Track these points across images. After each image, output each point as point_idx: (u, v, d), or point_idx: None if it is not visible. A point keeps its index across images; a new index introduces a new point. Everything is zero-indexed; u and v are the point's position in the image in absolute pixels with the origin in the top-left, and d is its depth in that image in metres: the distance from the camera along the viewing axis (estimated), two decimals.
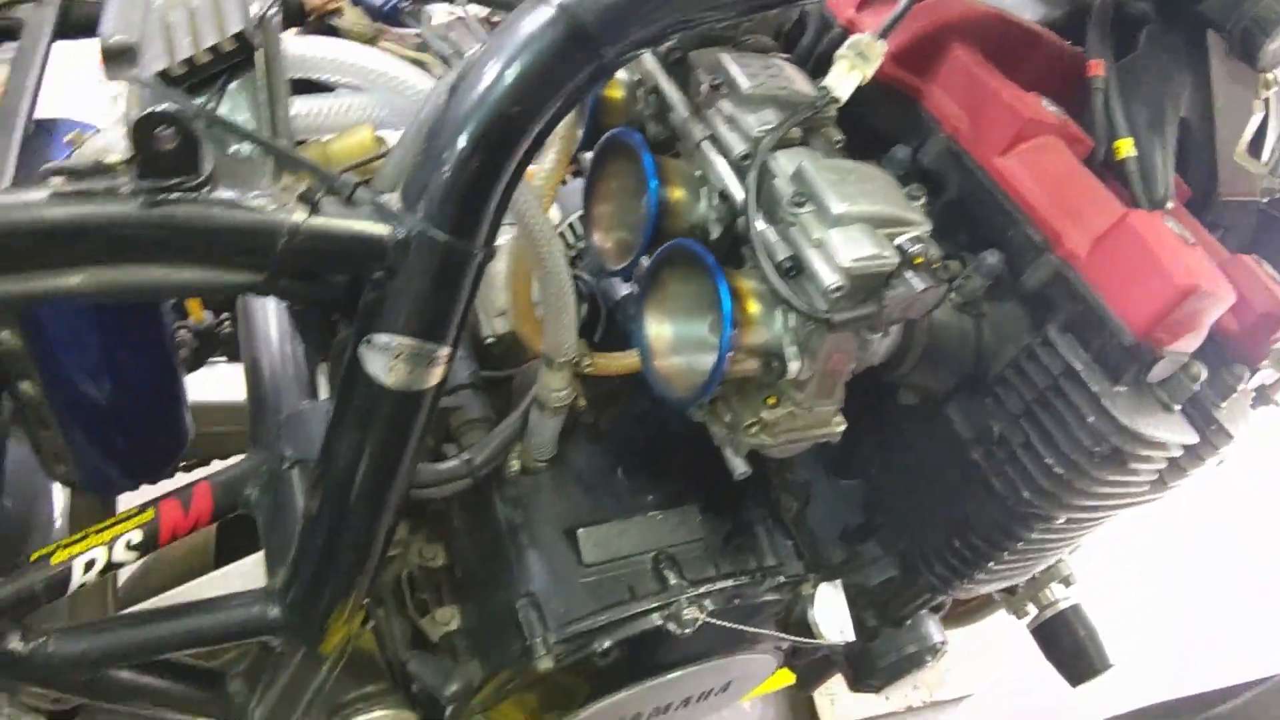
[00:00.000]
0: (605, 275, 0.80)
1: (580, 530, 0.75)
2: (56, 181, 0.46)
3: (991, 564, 0.72)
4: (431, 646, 0.79)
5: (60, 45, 0.59)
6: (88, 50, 0.56)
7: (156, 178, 0.45)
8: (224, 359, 0.87)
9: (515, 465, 0.76)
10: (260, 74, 0.50)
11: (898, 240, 0.58)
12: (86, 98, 0.63)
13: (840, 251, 0.56)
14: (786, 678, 1.02)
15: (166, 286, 0.52)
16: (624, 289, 0.80)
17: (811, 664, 0.97)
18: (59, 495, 0.79)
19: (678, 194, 0.67)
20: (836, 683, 0.98)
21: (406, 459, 0.57)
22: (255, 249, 0.48)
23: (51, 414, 0.59)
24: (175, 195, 0.46)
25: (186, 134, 0.45)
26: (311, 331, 0.71)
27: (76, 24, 0.63)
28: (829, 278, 0.56)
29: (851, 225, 0.57)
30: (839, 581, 0.79)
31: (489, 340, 0.81)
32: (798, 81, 0.67)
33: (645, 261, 0.66)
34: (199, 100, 0.50)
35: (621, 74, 0.72)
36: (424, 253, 0.50)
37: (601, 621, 0.71)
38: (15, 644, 0.58)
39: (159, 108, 0.44)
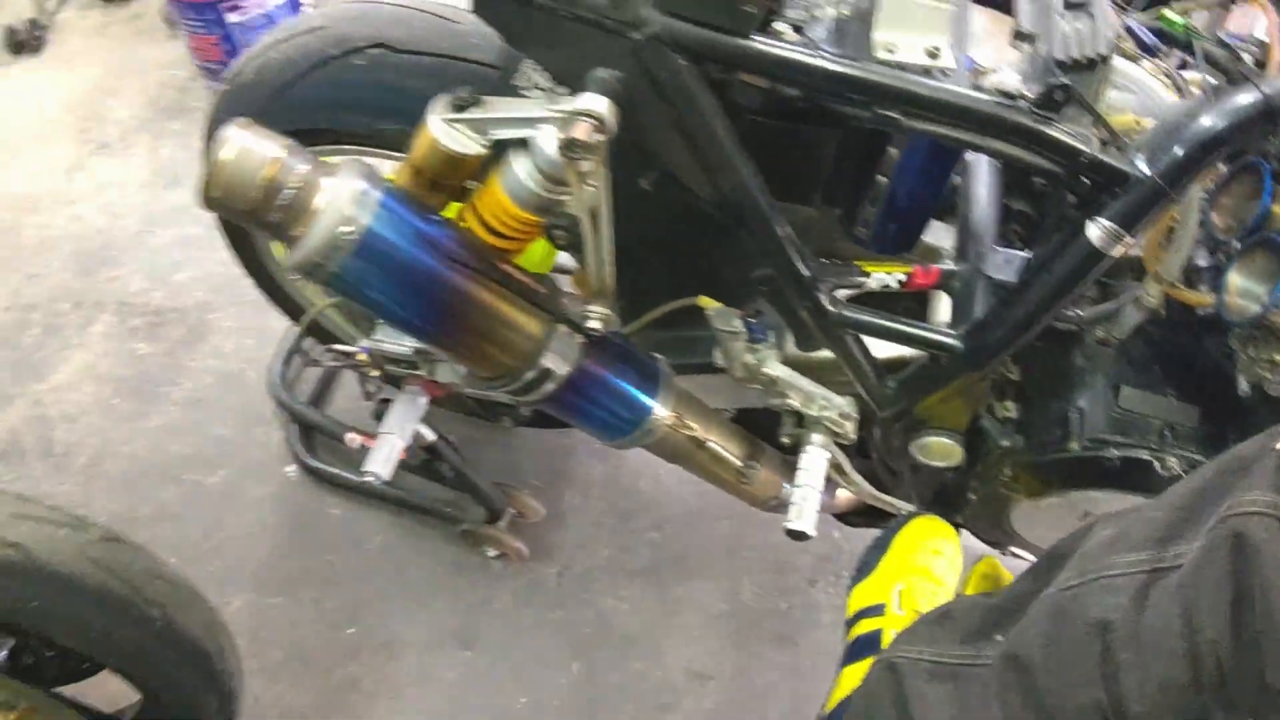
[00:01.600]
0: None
1: (1123, 386, 1.22)
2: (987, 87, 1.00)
3: None
4: (992, 419, 1.30)
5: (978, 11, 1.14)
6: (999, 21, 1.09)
7: (1043, 108, 0.97)
8: None
9: (1099, 333, 1.23)
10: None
11: None
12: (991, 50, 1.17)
13: None
14: None
15: (998, 154, 1.05)
16: None
17: None
18: None
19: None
20: None
21: (1073, 293, 1.07)
22: (1065, 152, 0.98)
23: (891, 198, 1.16)
24: (1039, 115, 0.98)
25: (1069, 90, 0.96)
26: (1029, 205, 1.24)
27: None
28: None
29: None
30: None
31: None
32: None
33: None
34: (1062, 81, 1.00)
35: None
36: (1143, 187, 0.98)
37: (1117, 440, 1.18)
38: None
39: (1058, 80, 0.96)
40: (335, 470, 1.97)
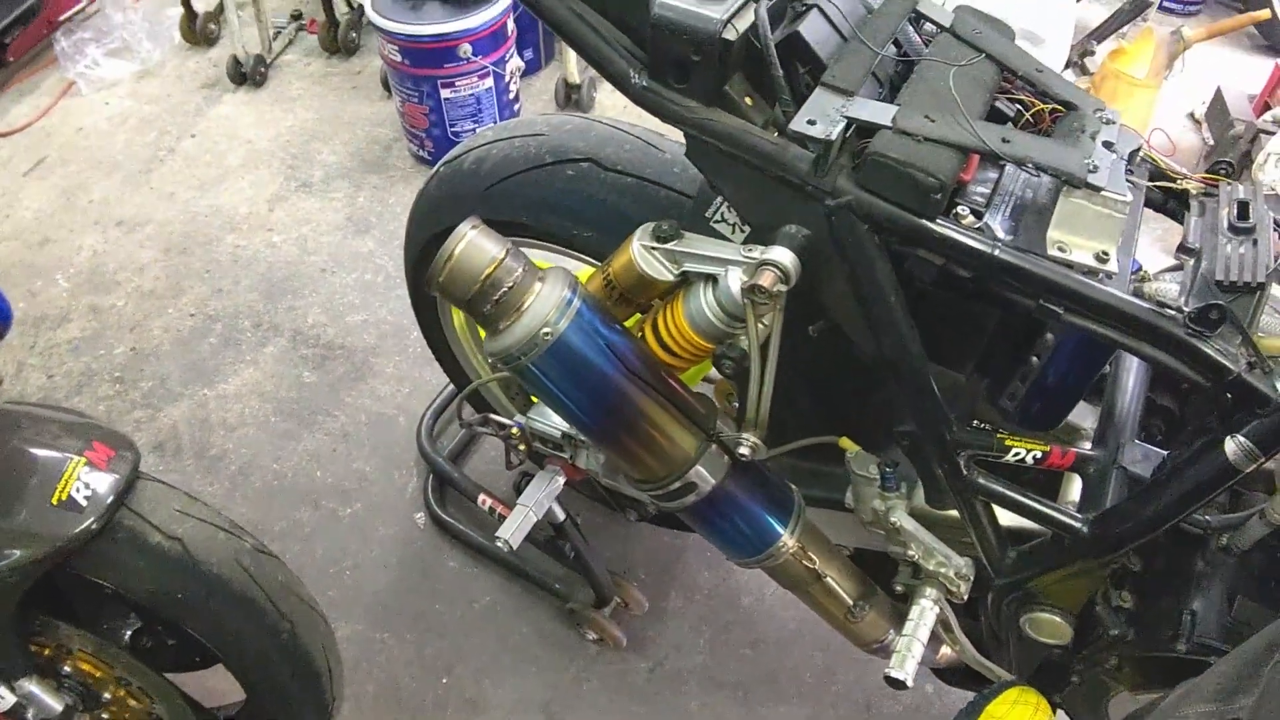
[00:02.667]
0: None
1: (1239, 597, 1.24)
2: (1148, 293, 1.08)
3: None
4: (1106, 606, 1.34)
5: None
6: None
7: (1197, 323, 1.04)
8: None
9: (1224, 540, 1.27)
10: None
11: None
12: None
13: None
14: None
15: (1148, 359, 1.12)
16: None
17: None
18: None
19: None
20: None
21: (1203, 502, 1.12)
22: (1212, 369, 1.05)
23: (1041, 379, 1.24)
24: (1193, 329, 1.05)
25: (1223, 310, 1.03)
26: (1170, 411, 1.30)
27: None
28: None
29: None
30: None
31: None
32: None
33: None
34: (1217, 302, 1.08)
35: None
36: None
37: (1224, 649, 1.21)
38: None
39: (1215, 300, 1.03)
40: (461, 526, 2.11)
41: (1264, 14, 3.22)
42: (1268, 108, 3.15)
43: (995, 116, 1.22)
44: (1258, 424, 1.06)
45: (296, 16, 3.63)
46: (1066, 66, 3.21)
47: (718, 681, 1.95)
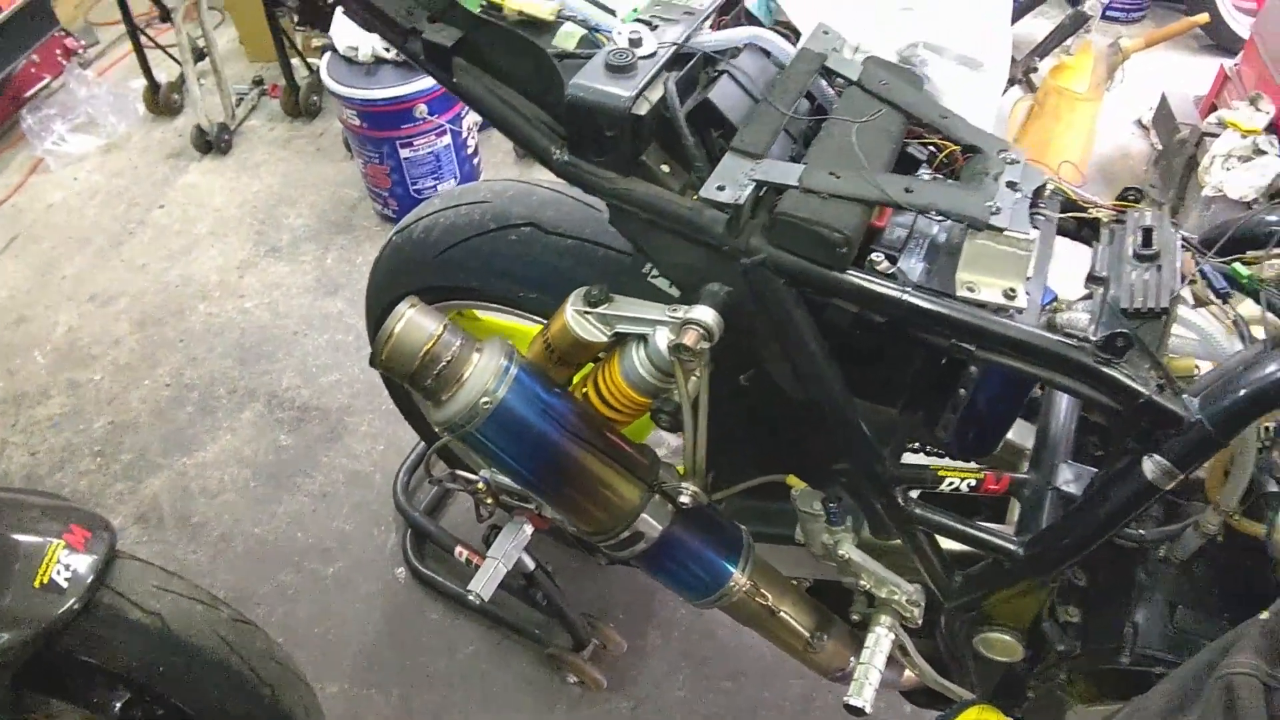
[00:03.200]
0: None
1: (1179, 606, 1.30)
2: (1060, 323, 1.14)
3: None
4: (1053, 622, 1.40)
5: None
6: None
7: (1104, 350, 1.10)
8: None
9: (1160, 553, 1.33)
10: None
11: None
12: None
13: None
14: None
15: (1062, 388, 1.18)
16: None
17: None
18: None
19: None
20: None
21: (1127, 520, 1.18)
22: (1123, 394, 1.11)
23: (970, 409, 1.30)
24: (1102, 357, 1.11)
25: (1130, 337, 1.09)
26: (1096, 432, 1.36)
27: None
28: None
29: None
30: None
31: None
32: None
33: None
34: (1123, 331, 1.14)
35: None
36: (1195, 432, 1.10)
37: (1166, 658, 1.27)
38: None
39: (1120, 328, 1.09)
40: (440, 579, 2.16)
41: (1202, 18, 3.31)
42: (1214, 109, 3.23)
43: (907, 161, 1.29)
44: (1172, 443, 1.11)
45: (258, 82, 3.71)
46: (1012, 84, 3.29)
47: (701, 715, 1.99)
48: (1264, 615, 0.91)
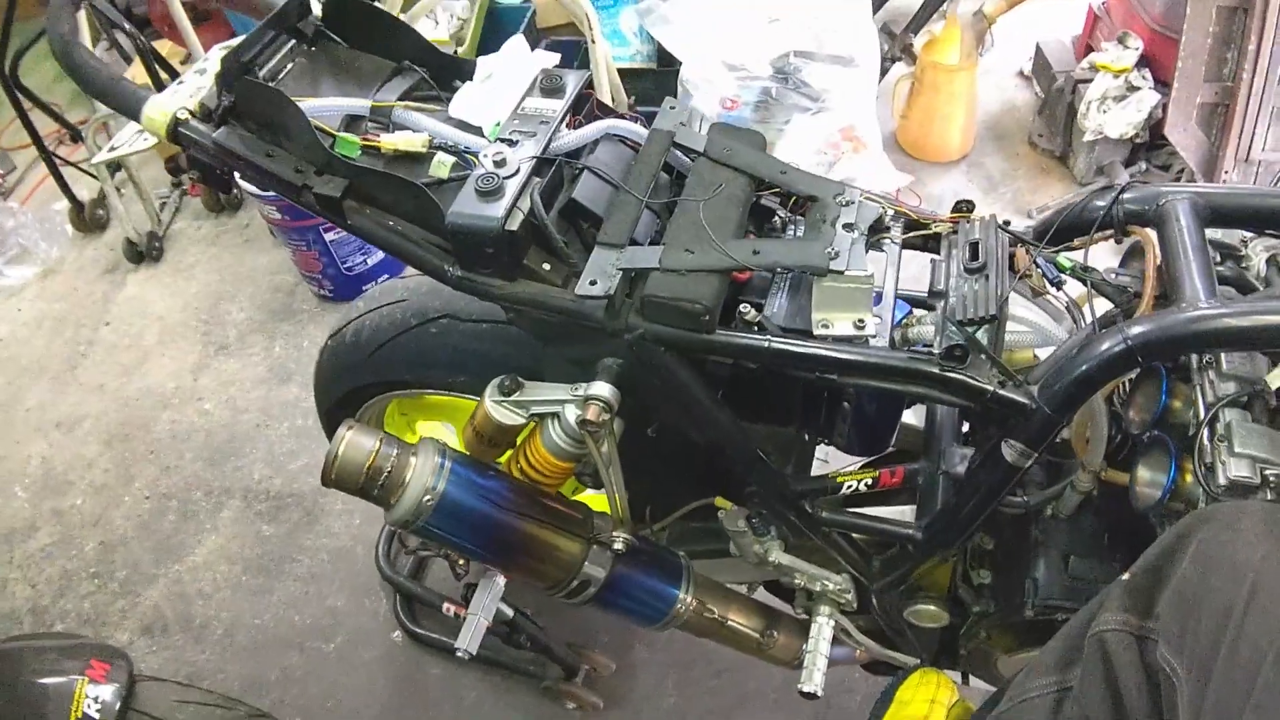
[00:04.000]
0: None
1: (1072, 557, 1.49)
2: (911, 337, 1.33)
3: None
4: (968, 587, 1.59)
5: None
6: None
7: (946, 360, 1.29)
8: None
9: (1049, 511, 1.52)
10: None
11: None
12: None
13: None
14: None
15: (919, 396, 1.37)
16: None
17: None
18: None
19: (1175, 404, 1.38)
20: None
21: (1001, 496, 1.37)
22: (971, 393, 1.30)
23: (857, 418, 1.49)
24: (946, 365, 1.30)
25: (966, 344, 1.29)
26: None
27: None
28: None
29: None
30: None
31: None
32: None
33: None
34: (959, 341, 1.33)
35: None
36: (1038, 416, 1.29)
37: (1065, 605, 1.46)
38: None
39: (956, 338, 1.28)
40: (434, 635, 2.34)
41: None
42: (1090, 50, 3.43)
43: (762, 212, 1.47)
44: (1022, 428, 1.30)
45: (177, 184, 3.85)
46: (894, 61, 3.49)
47: (695, 715, 2.18)
48: (1125, 577, 1.06)
